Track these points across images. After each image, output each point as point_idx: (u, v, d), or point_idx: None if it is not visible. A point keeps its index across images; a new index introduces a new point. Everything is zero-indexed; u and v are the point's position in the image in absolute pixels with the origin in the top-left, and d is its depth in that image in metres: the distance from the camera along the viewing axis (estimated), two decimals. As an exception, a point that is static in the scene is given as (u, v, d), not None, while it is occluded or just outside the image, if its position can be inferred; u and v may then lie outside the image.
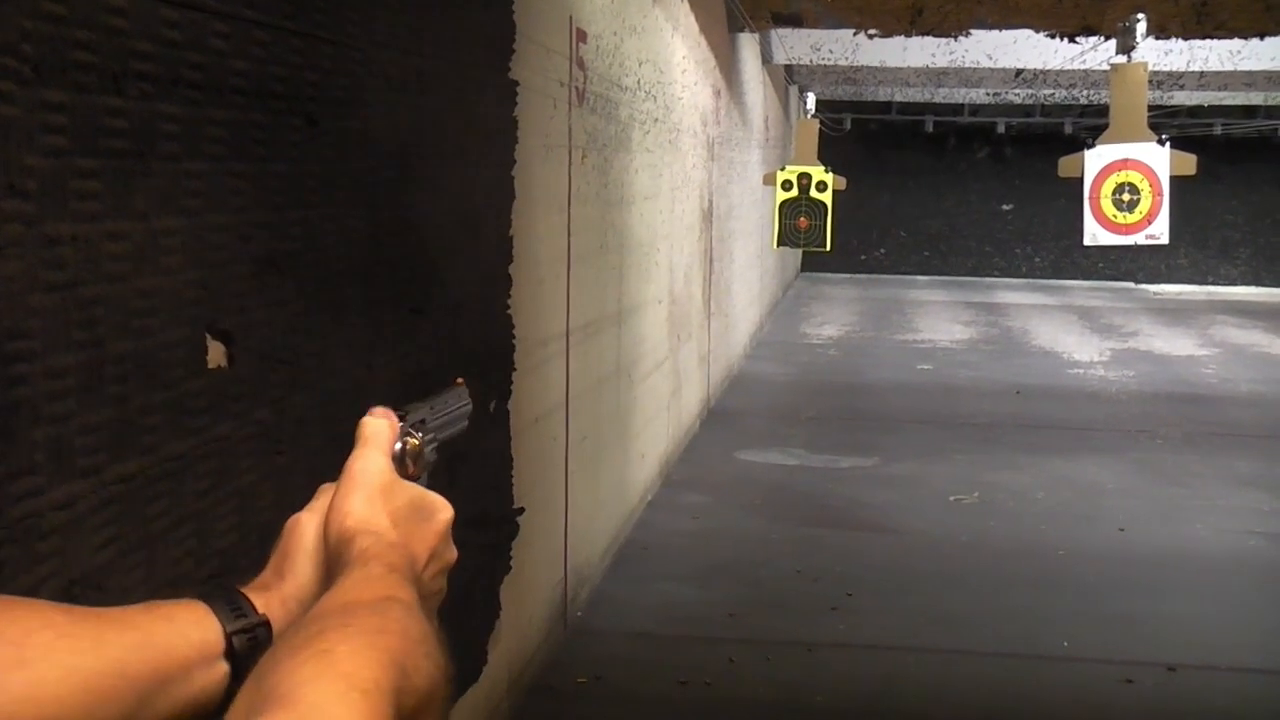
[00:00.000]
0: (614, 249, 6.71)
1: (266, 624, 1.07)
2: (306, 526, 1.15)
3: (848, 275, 24.84)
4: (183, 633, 1.03)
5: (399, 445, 1.23)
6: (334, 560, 1.09)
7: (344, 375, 2.92)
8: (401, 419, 1.25)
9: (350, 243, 3.01)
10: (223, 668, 1.04)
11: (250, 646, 1.05)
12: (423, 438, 1.27)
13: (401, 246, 3.35)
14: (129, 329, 2.05)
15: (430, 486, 1.26)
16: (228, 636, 1.05)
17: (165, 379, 2.17)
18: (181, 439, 2.23)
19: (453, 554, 1.19)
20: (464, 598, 4.01)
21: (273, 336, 2.57)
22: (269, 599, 1.10)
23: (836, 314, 19.19)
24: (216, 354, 2.34)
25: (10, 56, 1.75)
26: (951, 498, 8.38)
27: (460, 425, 1.41)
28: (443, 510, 1.18)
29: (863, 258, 25.67)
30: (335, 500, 1.13)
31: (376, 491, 1.14)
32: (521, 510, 4.66)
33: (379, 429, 1.19)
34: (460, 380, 1.44)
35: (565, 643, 5.66)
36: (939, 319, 18.78)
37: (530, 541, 4.89)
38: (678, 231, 8.88)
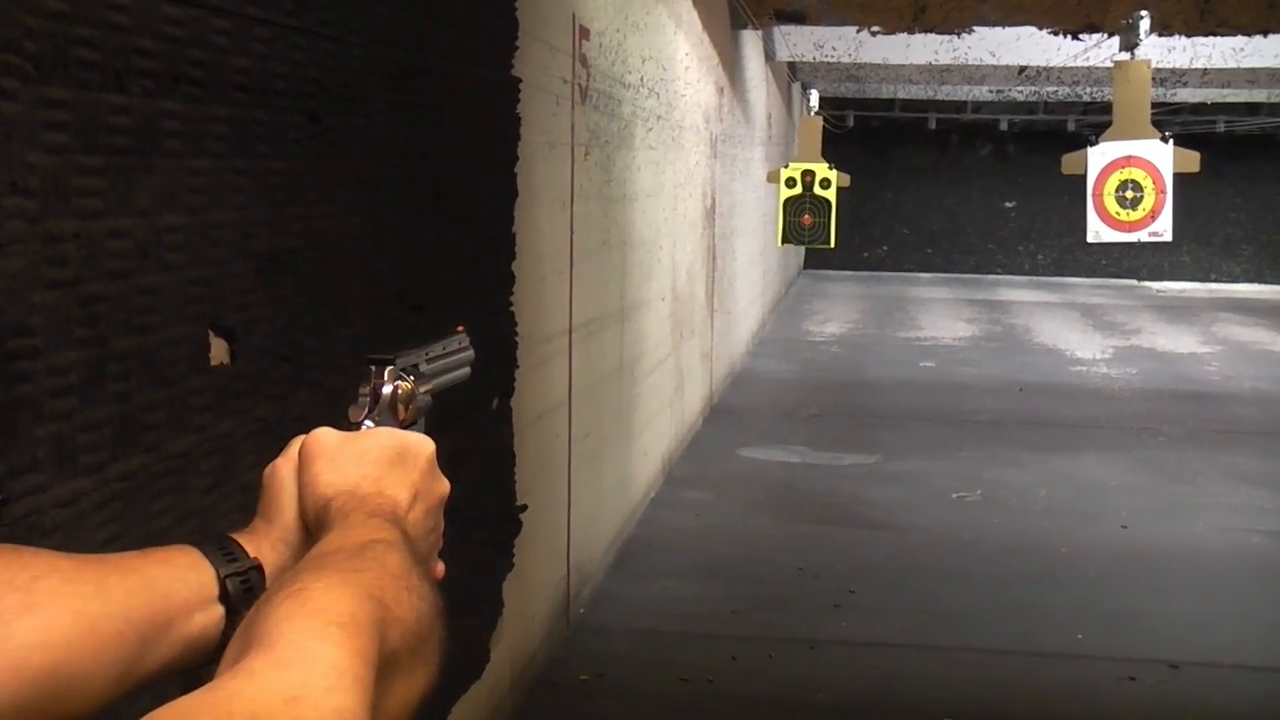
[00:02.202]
0: (616, 246, 6.71)
1: (259, 567, 1.09)
2: (283, 470, 1.16)
3: (850, 272, 24.83)
4: (181, 576, 1.04)
5: (389, 390, 1.23)
6: (317, 530, 1.09)
7: (346, 372, 2.92)
8: (391, 362, 1.25)
9: (352, 239, 3.01)
10: (218, 611, 1.05)
11: (244, 590, 1.06)
12: (414, 382, 1.27)
13: (403, 243, 3.35)
14: (131, 326, 2.06)
15: (426, 432, 1.26)
16: (221, 580, 1.06)
17: (167, 376, 2.17)
18: (184, 436, 2.23)
19: (443, 487, 1.19)
20: (467, 595, 4.01)
21: (275, 333, 2.57)
22: (259, 543, 1.12)
23: (839, 311, 19.18)
24: (219, 351, 2.34)
25: (12, 53, 1.75)
26: (954, 495, 8.38)
27: (461, 372, 1.41)
28: (421, 447, 1.18)
29: (865, 255, 25.66)
30: (301, 478, 1.14)
31: (335, 452, 1.14)
32: (524, 507, 4.66)
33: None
34: (461, 327, 1.43)
35: (568, 639, 5.66)
36: (941, 316, 18.77)
37: (533, 538, 4.89)
38: (680, 229, 8.88)
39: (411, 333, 3.40)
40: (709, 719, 5.08)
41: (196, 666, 1.03)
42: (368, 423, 1.22)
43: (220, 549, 1.08)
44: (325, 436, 1.17)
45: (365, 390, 1.25)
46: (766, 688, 5.29)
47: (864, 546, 7.29)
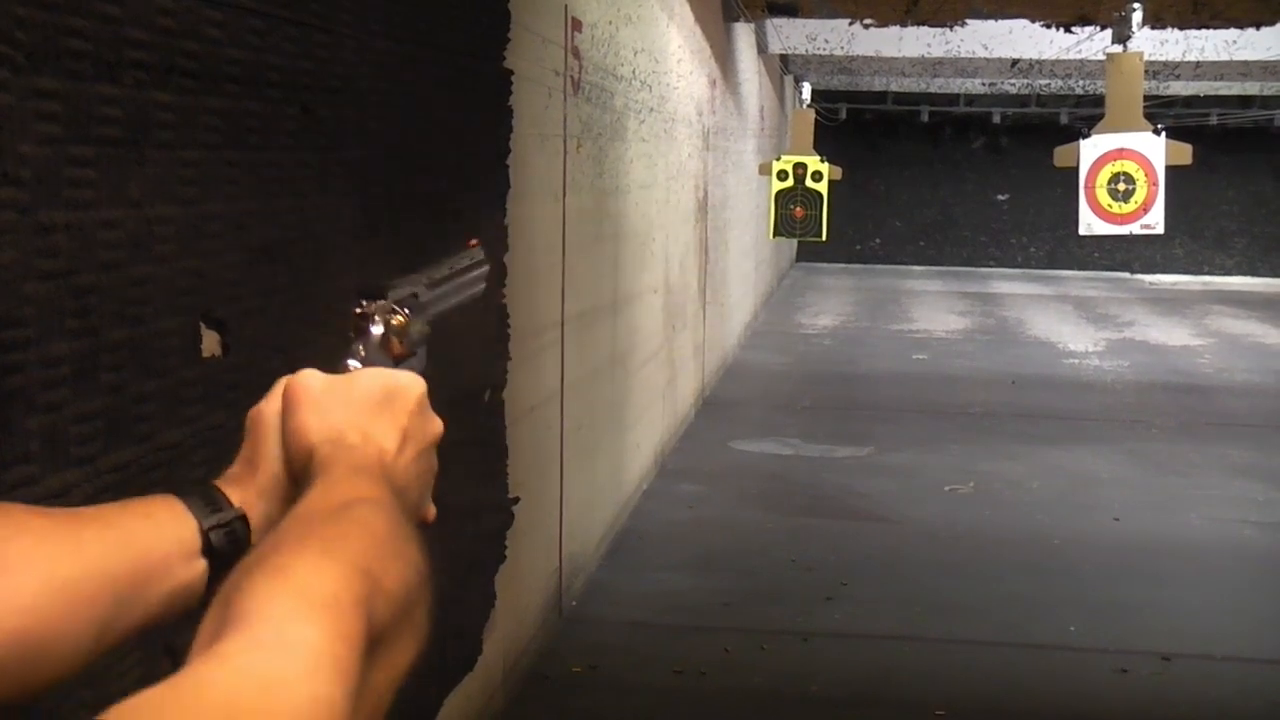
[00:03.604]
0: (609, 238, 6.71)
1: (243, 518, 1.05)
2: (268, 414, 1.11)
3: (843, 265, 24.84)
4: (160, 530, 1.01)
5: (380, 327, 1.17)
6: (301, 479, 1.04)
7: (338, 364, 2.91)
8: (381, 295, 1.19)
9: (344, 232, 3.00)
10: (200, 564, 1.01)
11: (228, 541, 1.03)
12: (409, 315, 1.20)
13: (396, 235, 3.35)
14: (123, 317, 2.05)
15: (427, 362, 1.20)
16: (204, 532, 1.02)
17: (159, 367, 2.17)
18: (176, 427, 2.23)
19: (435, 426, 1.14)
20: (459, 587, 4.01)
21: (267, 325, 2.57)
22: (244, 492, 1.07)
23: (832, 304, 19.19)
24: (211, 342, 2.34)
25: (4, 44, 1.75)
26: (947, 487, 8.39)
27: (475, 290, 1.33)
28: (410, 386, 1.13)
29: (858, 247, 25.66)
30: (285, 424, 1.09)
31: (320, 397, 1.09)
32: (516, 499, 4.66)
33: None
34: (474, 241, 1.38)
35: (560, 632, 5.66)
36: (934, 309, 18.79)
37: (525, 531, 4.89)
38: (673, 221, 8.88)
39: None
40: (702, 711, 5.08)
41: (178, 620, 0.99)
42: (354, 363, 1.16)
43: (203, 499, 1.05)
44: (310, 379, 1.11)
45: (350, 326, 1.19)
46: (759, 680, 5.29)
47: (857, 539, 7.30)
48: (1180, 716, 5.13)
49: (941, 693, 5.22)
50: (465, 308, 1.32)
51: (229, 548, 1.02)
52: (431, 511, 1.15)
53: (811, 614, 6.05)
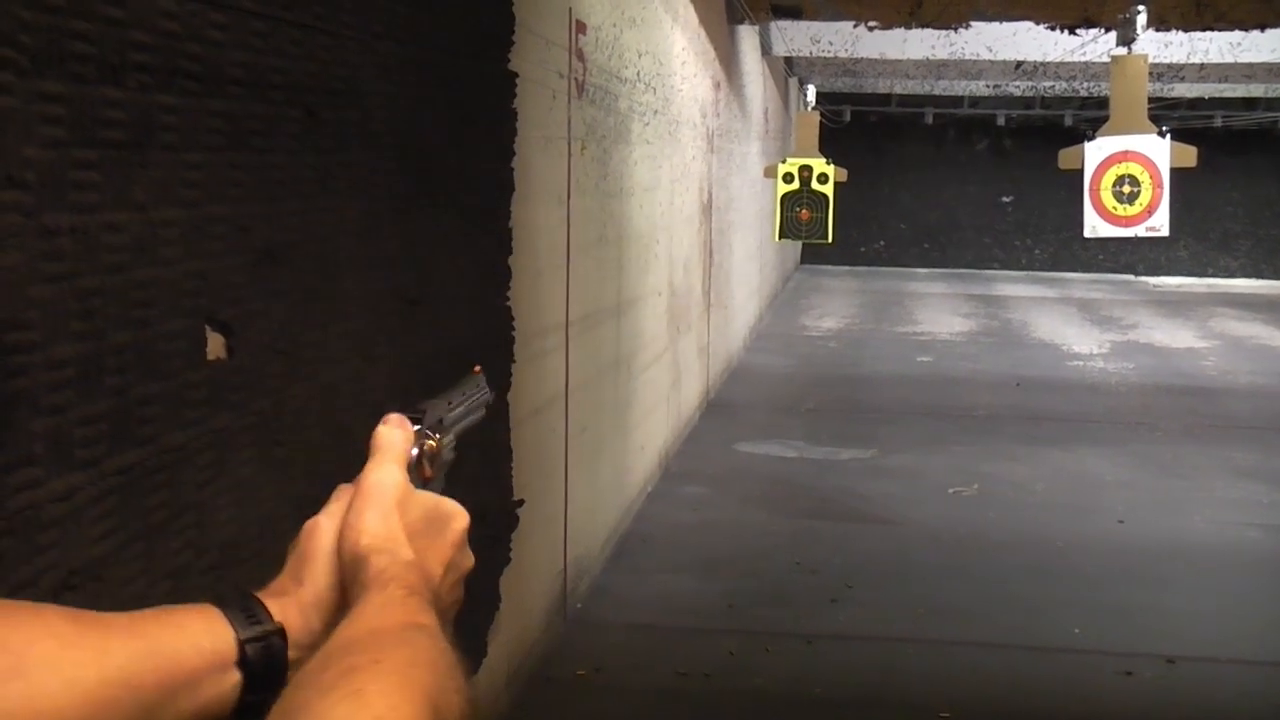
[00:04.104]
0: (613, 241, 6.71)
1: (281, 632, 1.04)
2: (325, 530, 1.11)
3: (847, 267, 24.83)
4: (193, 641, 1.00)
5: (416, 450, 1.19)
6: (349, 579, 1.06)
7: (342, 366, 2.92)
8: (418, 420, 1.21)
9: (349, 234, 3.00)
10: (235, 676, 1.01)
11: (264, 654, 1.02)
12: (440, 439, 1.23)
13: (400, 238, 3.35)
14: (128, 320, 2.05)
15: (447, 485, 1.23)
16: (240, 644, 1.02)
17: (164, 370, 2.17)
18: (180, 430, 2.23)
19: (469, 561, 1.17)
20: (464, 589, 4.01)
21: (271, 327, 2.57)
22: (285, 605, 1.07)
23: (836, 306, 19.18)
24: (215, 345, 2.34)
25: (8, 47, 1.75)
26: (951, 489, 8.38)
27: (478, 415, 1.37)
28: (458, 518, 1.16)
29: (862, 250, 25.65)
30: (350, 517, 1.10)
31: (392, 507, 1.11)
32: (521, 502, 4.66)
33: (394, 439, 1.15)
34: (478, 369, 1.41)
35: (565, 634, 5.66)
36: (938, 311, 18.78)
37: (530, 533, 4.89)
38: (677, 223, 8.88)
39: (409, 325, 3.40)
40: (705, 713, 5.08)
41: None
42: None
43: (242, 609, 1.04)
44: (389, 476, 1.12)
45: None
46: (763, 682, 5.29)
47: (861, 541, 7.29)
48: (1184, 719, 5.13)
49: (946, 695, 5.22)
50: (471, 431, 1.35)
51: (264, 661, 1.02)
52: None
53: (816, 616, 6.05)
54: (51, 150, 1.85)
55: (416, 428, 1.20)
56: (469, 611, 4.01)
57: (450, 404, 1.29)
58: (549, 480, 5.41)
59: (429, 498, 1.16)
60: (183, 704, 0.98)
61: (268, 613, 1.05)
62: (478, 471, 4.14)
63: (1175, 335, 16.57)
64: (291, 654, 1.04)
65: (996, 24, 12.12)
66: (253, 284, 2.49)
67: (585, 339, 6.05)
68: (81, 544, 1.94)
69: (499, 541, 4.49)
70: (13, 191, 1.76)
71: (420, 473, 1.20)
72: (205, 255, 2.30)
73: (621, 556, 6.82)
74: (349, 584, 1.05)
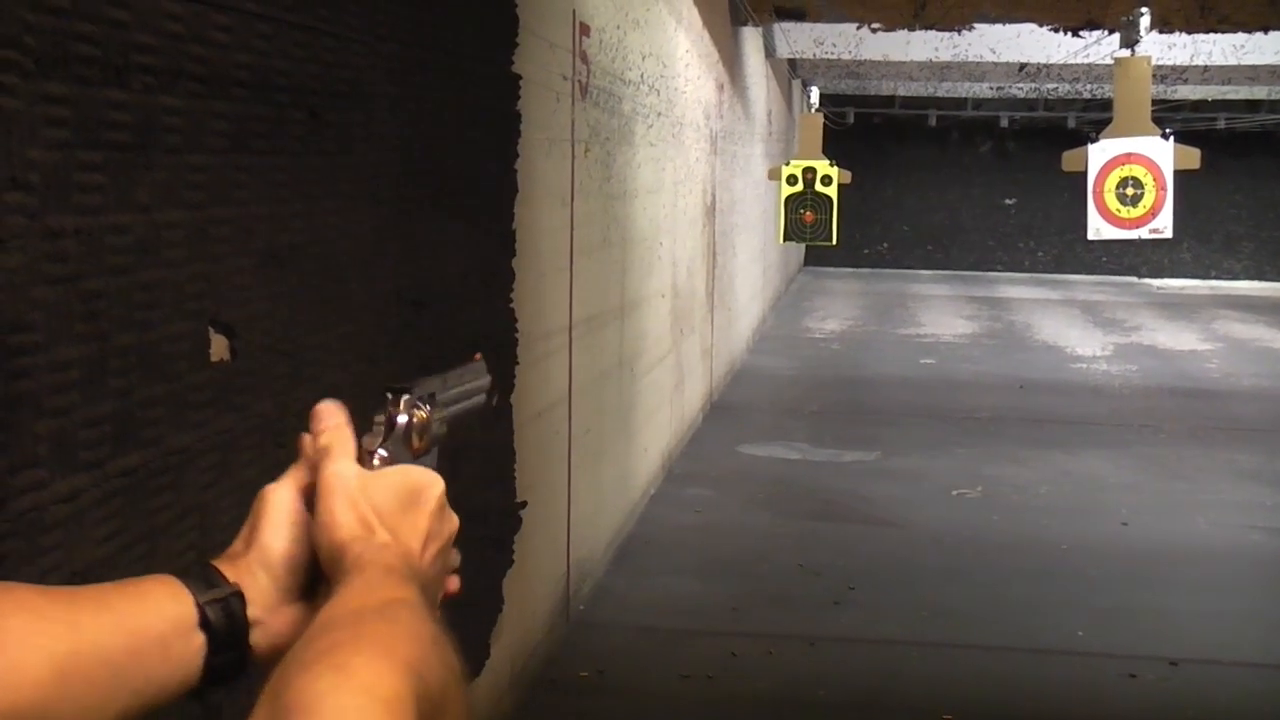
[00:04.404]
0: (617, 243, 6.71)
1: (239, 594, 1.08)
2: (274, 493, 1.15)
3: (850, 269, 24.82)
4: (156, 609, 1.03)
5: (404, 419, 1.21)
6: (332, 573, 1.08)
7: (346, 368, 2.92)
8: (408, 392, 1.23)
9: (352, 236, 3.00)
10: (199, 638, 1.04)
11: (224, 615, 1.06)
12: (431, 411, 1.25)
13: (404, 240, 3.35)
14: (131, 322, 2.05)
15: (440, 459, 1.25)
16: (200, 607, 1.05)
17: (168, 372, 2.17)
18: (184, 432, 2.23)
19: (452, 524, 1.19)
20: (466, 592, 4.01)
21: (275, 329, 2.57)
22: (238, 568, 1.11)
23: (839, 308, 19.18)
24: (219, 347, 2.34)
25: (12, 49, 1.75)
26: (954, 492, 8.38)
27: (477, 400, 1.38)
28: (432, 486, 1.17)
29: (865, 252, 25.64)
30: (320, 517, 1.12)
31: (355, 493, 1.13)
32: (524, 504, 4.66)
33: (334, 435, 1.18)
34: (478, 355, 1.42)
35: (567, 637, 5.66)
36: (942, 313, 18.77)
37: (533, 535, 4.89)
38: (681, 225, 8.88)
39: (410, 325, 3.40)
40: (709, 716, 5.08)
41: (179, 698, 1.02)
42: (381, 452, 1.20)
43: (200, 577, 1.08)
44: (346, 470, 1.15)
45: (380, 419, 1.22)
46: (767, 685, 5.29)
47: (864, 543, 7.29)
48: (1188, 722, 5.13)
49: (949, 697, 5.21)
50: (471, 416, 1.36)
51: (225, 621, 1.06)
52: (454, 584, 1.21)
53: (819, 618, 6.05)
54: (56, 152, 1.85)
55: (405, 397, 1.22)
56: (472, 613, 4.00)
57: (445, 382, 1.31)
58: (552, 482, 5.41)
59: (397, 473, 1.17)
60: (152, 670, 1.00)
61: (223, 577, 1.09)
62: (481, 473, 4.14)
63: (1178, 337, 16.56)
64: (251, 613, 1.08)
65: (1000, 26, 12.12)
66: (256, 286, 2.49)
67: (589, 341, 6.05)
68: (85, 545, 1.94)
69: (502, 544, 4.49)
70: (17, 193, 1.76)
71: (409, 445, 1.21)
72: (209, 257, 2.30)
73: (624, 558, 6.82)
74: (332, 577, 1.08)
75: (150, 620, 1.02)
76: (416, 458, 1.22)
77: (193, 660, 1.03)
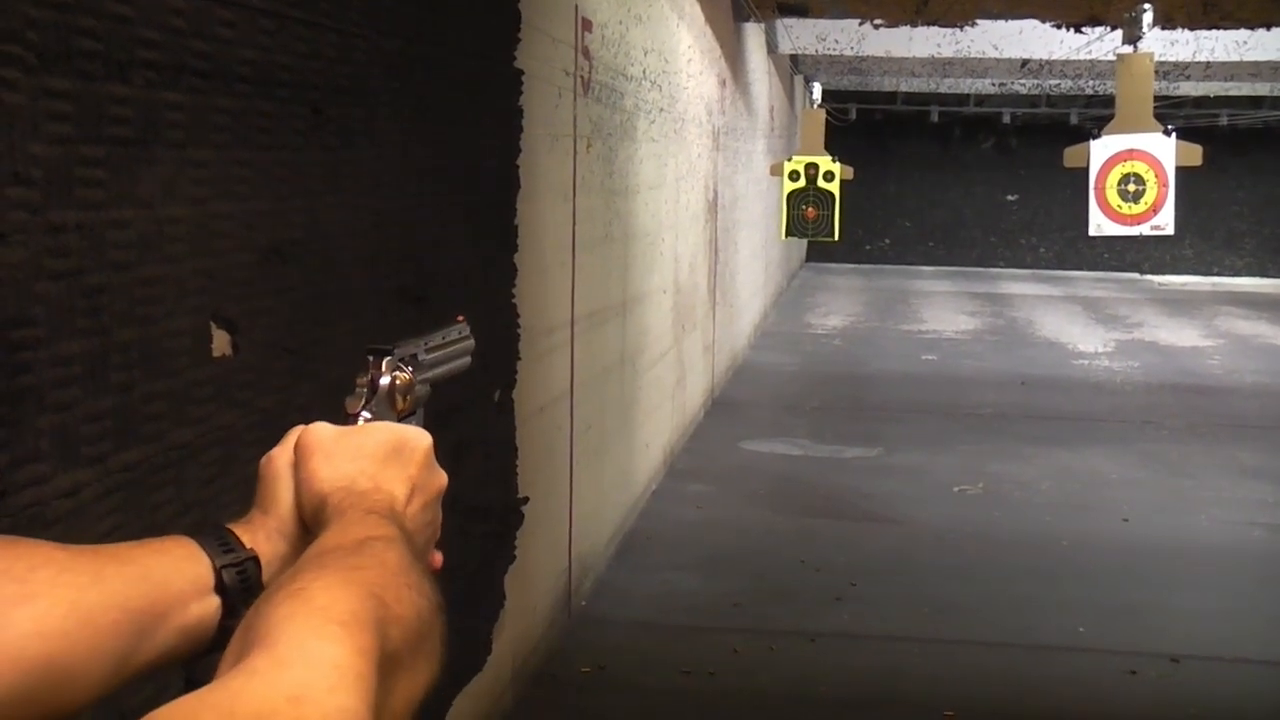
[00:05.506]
0: (619, 239, 6.71)
1: (255, 558, 1.09)
2: (280, 461, 1.16)
3: (852, 265, 24.82)
4: (177, 567, 1.04)
5: (386, 381, 1.23)
6: (314, 524, 1.10)
7: (349, 364, 2.91)
8: (390, 354, 1.24)
9: (355, 231, 3.00)
10: (214, 601, 1.05)
11: (240, 580, 1.07)
12: (412, 372, 1.27)
13: (406, 235, 3.35)
14: (134, 317, 2.05)
15: (425, 421, 1.26)
16: (217, 571, 1.06)
17: (170, 367, 2.17)
18: (186, 427, 2.23)
19: (440, 479, 1.19)
20: (468, 587, 4.02)
21: (277, 325, 2.57)
22: (255, 534, 1.12)
23: (841, 304, 19.17)
24: (221, 342, 2.34)
25: (15, 44, 1.75)
26: (956, 488, 8.38)
27: (462, 361, 1.40)
28: (418, 440, 1.18)
29: (867, 248, 25.63)
30: (298, 473, 1.14)
31: (332, 447, 1.15)
32: (526, 499, 4.66)
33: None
34: (461, 317, 1.43)
35: (569, 632, 5.67)
36: (944, 309, 18.77)
37: (534, 531, 4.89)
38: (683, 221, 8.88)
39: (412, 323, 3.40)
40: (710, 711, 5.08)
41: (193, 657, 1.03)
42: (365, 414, 1.21)
43: (217, 540, 1.08)
44: (321, 430, 1.16)
45: (362, 381, 1.24)
46: (767, 680, 5.29)
47: (865, 540, 7.29)
48: (1189, 718, 5.13)
49: (950, 694, 5.21)
50: (455, 377, 1.39)
51: (240, 586, 1.07)
52: (438, 559, 1.20)
53: (820, 615, 6.05)
54: (58, 147, 1.85)
55: (387, 359, 1.24)
56: (473, 609, 4.00)
57: (427, 344, 1.34)
58: (554, 478, 5.41)
59: (385, 428, 1.19)
60: (171, 626, 1.01)
61: (240, 542, 1.10)
62: (483, 469, 4.14)
63: (1180, 334, 16.55)
64: (266, 577, 1.08)
65: (1002, 22, 12.11)
66: (259, 281, 2.49)
67: (590, 337, 6.05)
68: (86, 540, 1.93)
69: (504, 539, 4.49)
70: (19, 188, 1.76)
71: (392, 406, 1.23)
72: (211, 252, 2.30)
73: (626, 554, 6.82)
74: (314, 528, 1.09)
75: (172, 577, 1.03)
76: (401, 418, 1.23)
77: (208, 621, 1.04)
